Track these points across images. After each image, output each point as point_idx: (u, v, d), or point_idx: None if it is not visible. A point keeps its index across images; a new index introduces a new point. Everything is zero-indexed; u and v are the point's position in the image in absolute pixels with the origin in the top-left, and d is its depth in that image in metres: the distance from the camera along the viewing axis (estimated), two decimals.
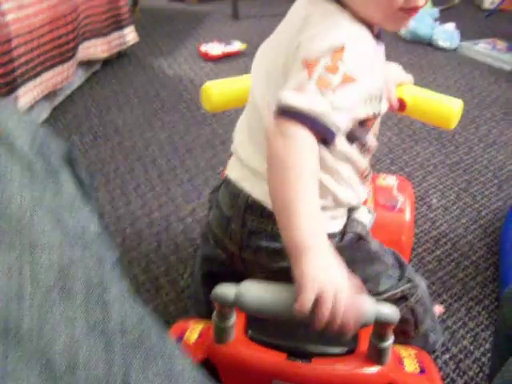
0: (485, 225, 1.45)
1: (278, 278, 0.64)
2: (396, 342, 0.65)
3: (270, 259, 0.73)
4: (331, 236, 0.70)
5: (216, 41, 2.60)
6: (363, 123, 0.69)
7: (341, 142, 0.67)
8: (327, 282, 0.55)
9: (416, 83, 0.90)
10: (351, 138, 0.69)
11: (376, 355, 0.65)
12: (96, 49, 2.22)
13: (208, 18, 3.23)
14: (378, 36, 0.70)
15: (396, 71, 0.89)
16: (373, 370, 0.65)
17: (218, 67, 2.44)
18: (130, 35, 2.48)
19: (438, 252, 1.34)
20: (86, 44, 2.15)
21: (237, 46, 2.56)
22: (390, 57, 0.79)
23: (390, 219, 0.99)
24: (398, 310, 0.60)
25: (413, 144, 1.84)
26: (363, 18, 0.66)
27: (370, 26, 0.67)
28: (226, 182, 0.76)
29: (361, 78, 0.61)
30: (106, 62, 2.41)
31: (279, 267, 0.71)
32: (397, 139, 1.87)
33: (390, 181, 1.07)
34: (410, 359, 0.70)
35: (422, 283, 0.83)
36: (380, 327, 0.61)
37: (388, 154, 1.77)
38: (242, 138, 0.76)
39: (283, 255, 0.62)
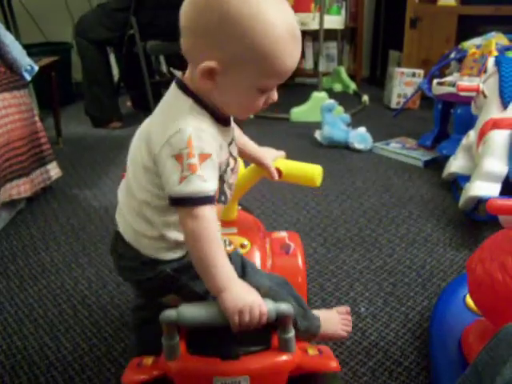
0: (413, 328, 1.49)
1: (136, 287, 1.03)
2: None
3: (129, 274, 1.00)
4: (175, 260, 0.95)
5: None
6: None
7: None
8: (241, 305, 0.80)
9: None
10: None
11: (284, 346, 0.88)
12: (19, 189, 2.20)
13: (130, 142, 3.27)
14: (226, 120, 0.93)
15: (270, 151, 1.21)
16: (283, 357, 0.88)
17: None
18: (53, 171, 2.47)
19: (371, 363, 1.36)
20: (7, 186, 2.13)
21: None
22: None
23: (286, 263, 1.25)
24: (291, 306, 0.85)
25: (338, 252, 1.90)
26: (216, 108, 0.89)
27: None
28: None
29: (212, 152, 0.84)
30: (31, 199, 2.39)
31: (133, 280, 1.00)
32: (322, 249, 1.93)
33: (281, 233, 1.35)
34: (312, 348, 0.96)
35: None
36: (282, 321, 0.85)
37: (314, 265, 1.82)
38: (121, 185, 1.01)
39: (134, 270, 0.96)
